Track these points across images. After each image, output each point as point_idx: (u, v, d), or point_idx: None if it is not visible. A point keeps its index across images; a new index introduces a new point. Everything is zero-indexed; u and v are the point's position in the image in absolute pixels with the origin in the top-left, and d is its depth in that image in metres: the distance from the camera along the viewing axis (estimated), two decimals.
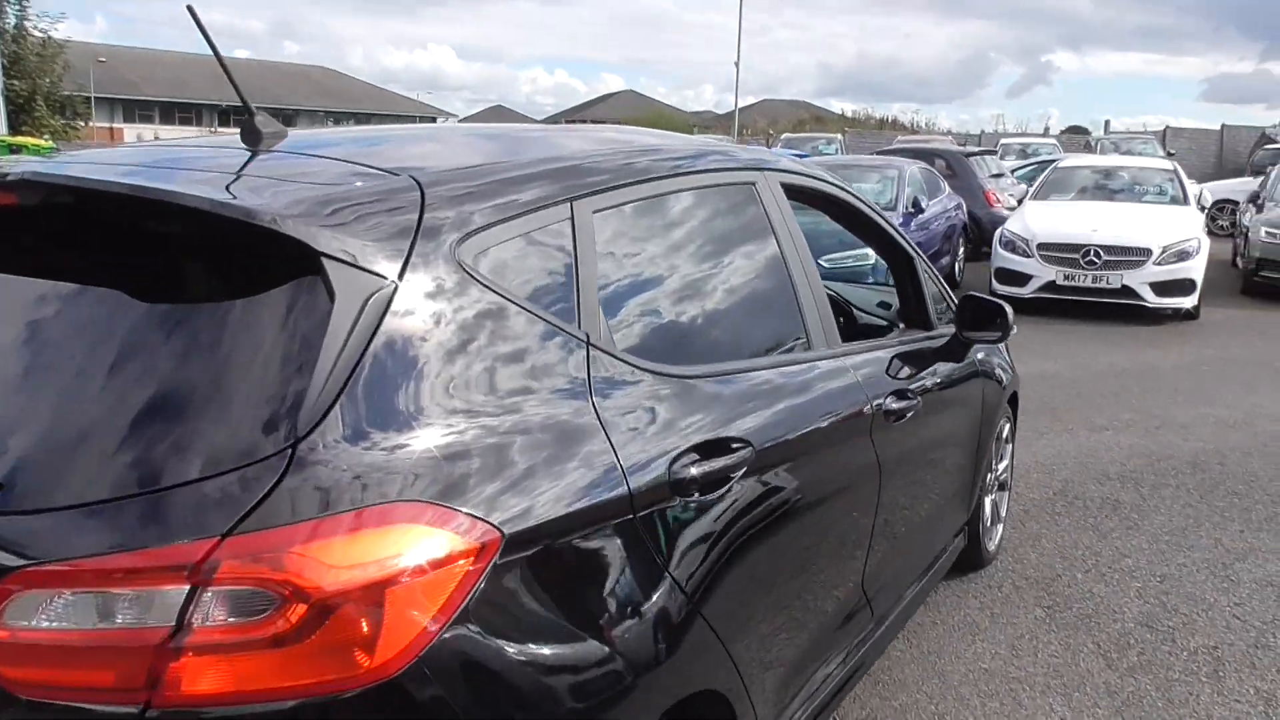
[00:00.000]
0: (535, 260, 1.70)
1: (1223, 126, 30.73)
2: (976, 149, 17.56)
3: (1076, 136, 32.62)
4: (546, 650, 1.44)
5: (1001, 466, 4.00)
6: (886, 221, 3.06)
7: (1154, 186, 11.01)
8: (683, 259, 2.13)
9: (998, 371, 3.66)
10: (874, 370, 2.62)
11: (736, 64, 37.10)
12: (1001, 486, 4.05)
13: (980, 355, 3.45)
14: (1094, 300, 9.30)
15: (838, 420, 2.31)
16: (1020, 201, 12.02)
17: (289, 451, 1.29)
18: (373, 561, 1.28)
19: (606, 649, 1.52)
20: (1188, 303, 9.18)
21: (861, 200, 2.98)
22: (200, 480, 1.27)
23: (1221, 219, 16.31)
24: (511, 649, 1.39)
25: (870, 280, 5.98)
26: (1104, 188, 11.19)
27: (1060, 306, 9.46)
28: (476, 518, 1.38)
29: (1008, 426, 3.98)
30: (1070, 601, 3.63)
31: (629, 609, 1.59)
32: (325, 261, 1.39)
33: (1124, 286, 9.10)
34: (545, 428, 1.54)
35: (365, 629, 1.26)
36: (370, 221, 1.49)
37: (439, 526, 1.34)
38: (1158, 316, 9.40)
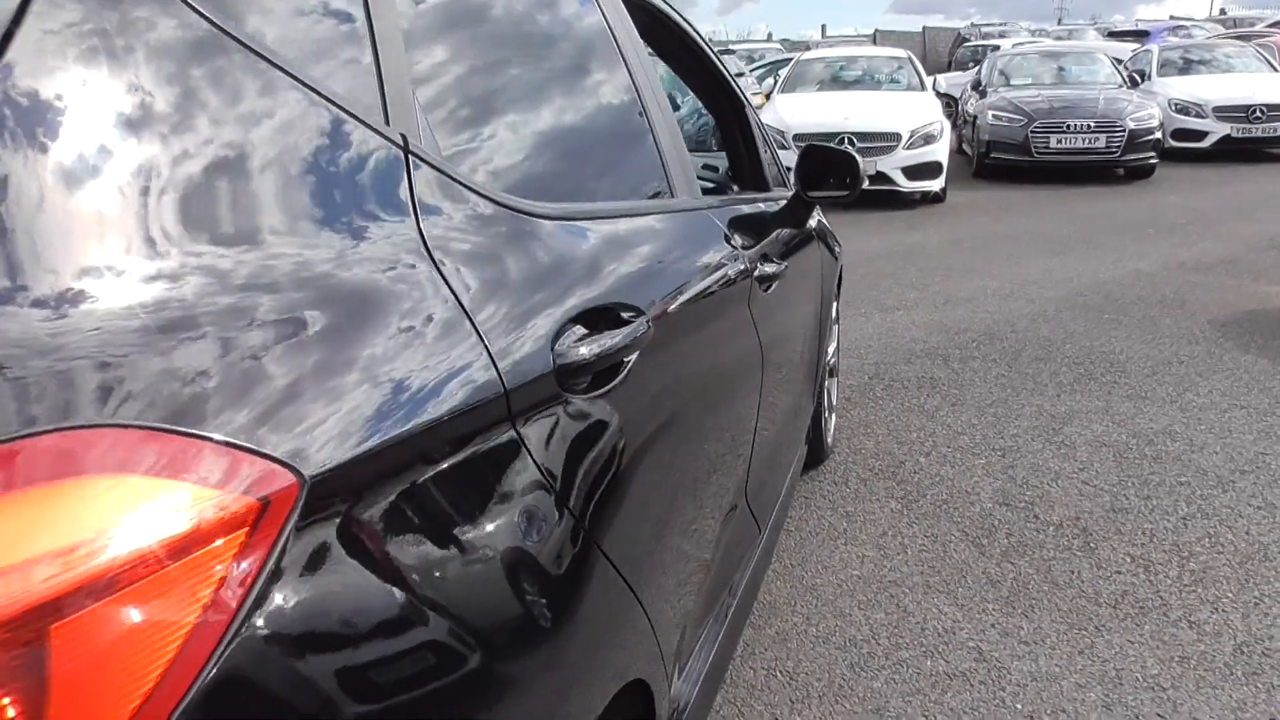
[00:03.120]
0: (302, 13, 0.96)
1: (924, 29, 32.71)
2: None
3: (799, 44, 33.65)
4: (397, 664, 0.76)
5: (831, 349, 3.61)
6: (720, 61, 2.47)
7: (890, 75, 11.19)
8: (518, 63, 1.43)
9: (830, 240, 3.22)
10: (736, 230, 2.05)
11: None
12: (832, 373, 3.67)
13: (813, 221, 2.98)
14: None
15: (721, 286, 1.72)
16: (768, 97, 11.92)
17: None
18: (31, 562, 0.56)
19: (494, 647, 0.87)
20: (936, 185, 9.38)
21: (694, 29, 2.36)
22: None
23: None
24: (337, 670, 0.71)
25: None
26: (842, 79, 11.27)
27: None
28: (248, 451, 0.67)
29: (836, 305, 3.58)
30: (922, 488, 3.31)
31: (526, 578, 0.93)
32: None
33: (879, 172, 9.14)
34: (350, 281, 0.84)
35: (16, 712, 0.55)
36: None
37: (172, 474, 0.62)
38: (909, 201, 9.56)
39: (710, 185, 2.84)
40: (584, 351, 1.09)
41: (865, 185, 8.62)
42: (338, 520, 0.73)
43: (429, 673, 0.79)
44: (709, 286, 1.64)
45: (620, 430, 1.20)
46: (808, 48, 27.32)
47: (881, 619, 2.56)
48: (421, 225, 0.96)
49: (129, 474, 0.61)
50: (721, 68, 2.48)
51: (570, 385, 1.09)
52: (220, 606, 0.63)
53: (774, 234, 2.39)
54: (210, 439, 0.65)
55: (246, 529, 0.65)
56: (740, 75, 15.06)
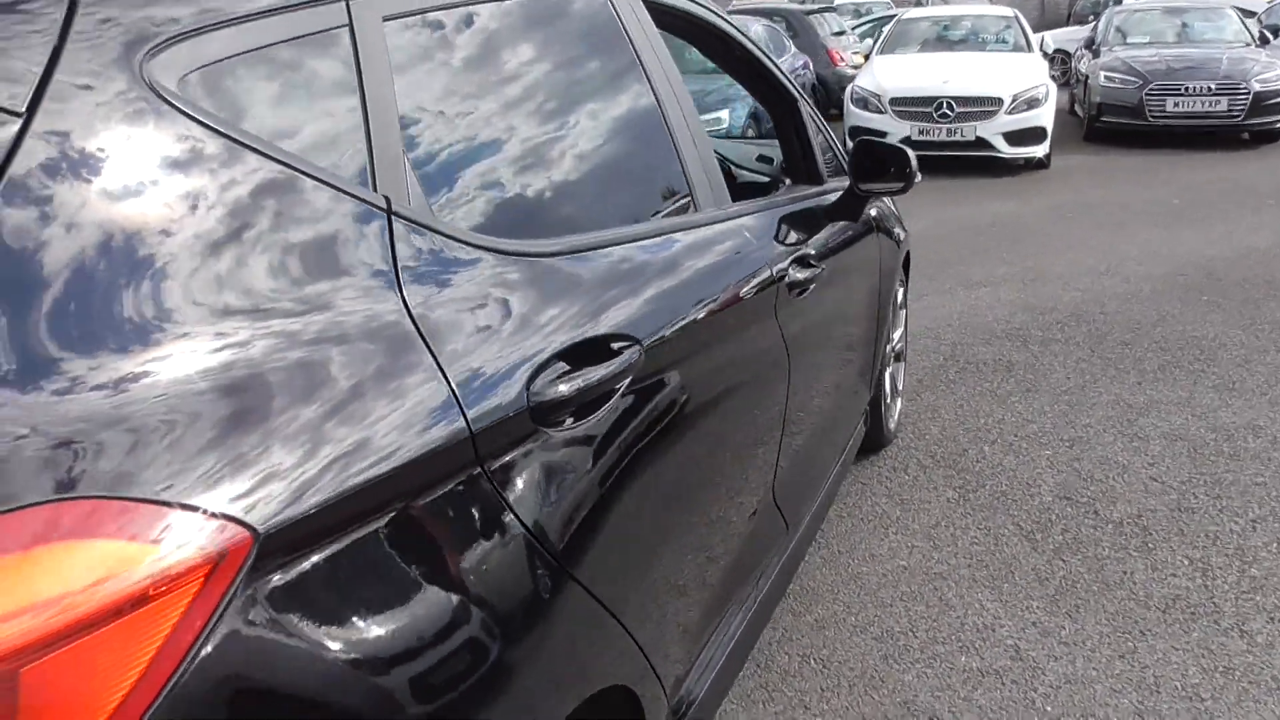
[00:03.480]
0: (292, 85, 1.05)
1: None
2: (815, 7, 17.05)
3: None
4: (346, 700, 0.87)
5: (897, 335, 3.60)
6: (766, 56, 2.47)
7: (996, 35, 10.78)
8: (520, 93, 1.50)
9: (892, 228, 3.20)
10: (771, 235, 2.08)
11: None
12: (898, 357, 3.66)
13: (874, 211, 2.97)
14: (949, 154, 9.05)
15: (739, 300, 1.77)
16: (866, 58, 11.64)
17: None
18: (9, 614, 0.67)
19: (441, 686, 0.96)
20: (1040, 151, 9.05)
21: (736, 27, 2.38)
22: None
23: (1053, 69, 16.45)
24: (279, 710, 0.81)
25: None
26: (946, 39, 10.90)
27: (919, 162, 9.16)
28: (202, 511, 0.77)
29: (902, 290, 3.55)
30: (982, 479, 3.29)
31: (486, 619, 1.02)
32: None
33: (978, 138, 8.87)
34: (321, 345, 0.93)
35: None
36: None
37: (132, 537, 0.73)
38: (1011, 167, 9.25)
39: (765, 179, 2.86)
40: (563, 389, 1.16)
41: (964, 152, 8.33)
42: (294, 569, 0.83)
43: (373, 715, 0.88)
44: (724, 301, 1.69)
45: (602, 458, 1.26)
46: (919, 3, 26.42)
47: (921, 611, 2.58)
48: (401, 279, 1.04)
49: (94, 539, 0.72)
50: (768, 62, 2.48)
51: (552, 420, 1.16)
52: (173, 648, 0.73)
53: (820, 232, 2.41)
54: (166, 502, 0.75)
55: (200, 581, 0.75)
56: (840, 34, 14.70)
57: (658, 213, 1.72)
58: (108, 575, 0.71)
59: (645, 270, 1.48)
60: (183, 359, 0.82)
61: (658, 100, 1.78)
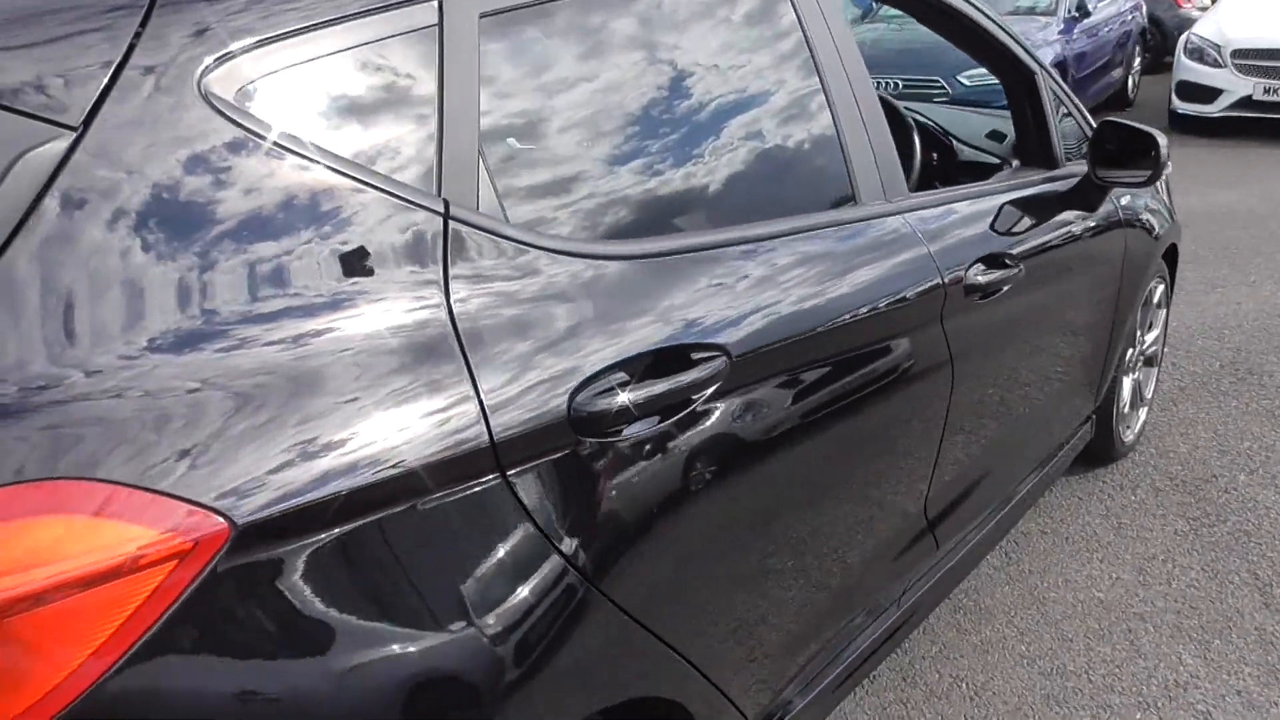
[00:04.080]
0: (362, 89, 1.09)
1: None
2: None
3: None
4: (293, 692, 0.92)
5: (1150, 338, 3.21)
6: (995, 22, 2.23)
7: None
8: (630, 81, 1.42)
9: (1148, 219, 2.82)
10: (957, 230, 1.91)
11: None
12: (1149, 362, 3.27)
13: (1125, 199, 2.63)
14: None
15: (885, 308, 1.64)
16: (1213, 1, 10.20)
17: None
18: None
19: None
20: None
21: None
22: None
23: None
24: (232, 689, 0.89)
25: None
26: None
27: (1254, 127, 7.99)
28: (181, 499, 0.84)
29: (1160, 288, 3.15)
30: (1225, 512, 2.89)
31: (480, 629, 1.04)
32: None
33: None
34: (346, 346, 0.97)
35: None
36: (53, 37, 0.92)
37: (109, 516, 0.82)
38: None
39: (991, 159, 2.62)
40: (620, 399, 1.14)
41: None
42: (279, 562, 0.89)
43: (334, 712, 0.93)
44: (856, 307, 1.57)
45: (667, 472, 1.24)
46: None
47: (1105, 653, 2.34)
48: (450, 283, 1.06)
49: (76, 515, 0.81)
50: (999, 30, 2.24)
51: (603, 430, 1.14)
52: (141, 618, 0.81)
53: (1034, 225, 2.18)
54: (148, 488, 0.83)
55: (172, 564, 0.83)
56: None
57: (797, 209, 1.61)
58: (82, 550, 0.80)
59: (752, 274, 1.41)
60: (199, 357, 0.89)
61: (822, 82, 1.66)
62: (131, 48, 0.93)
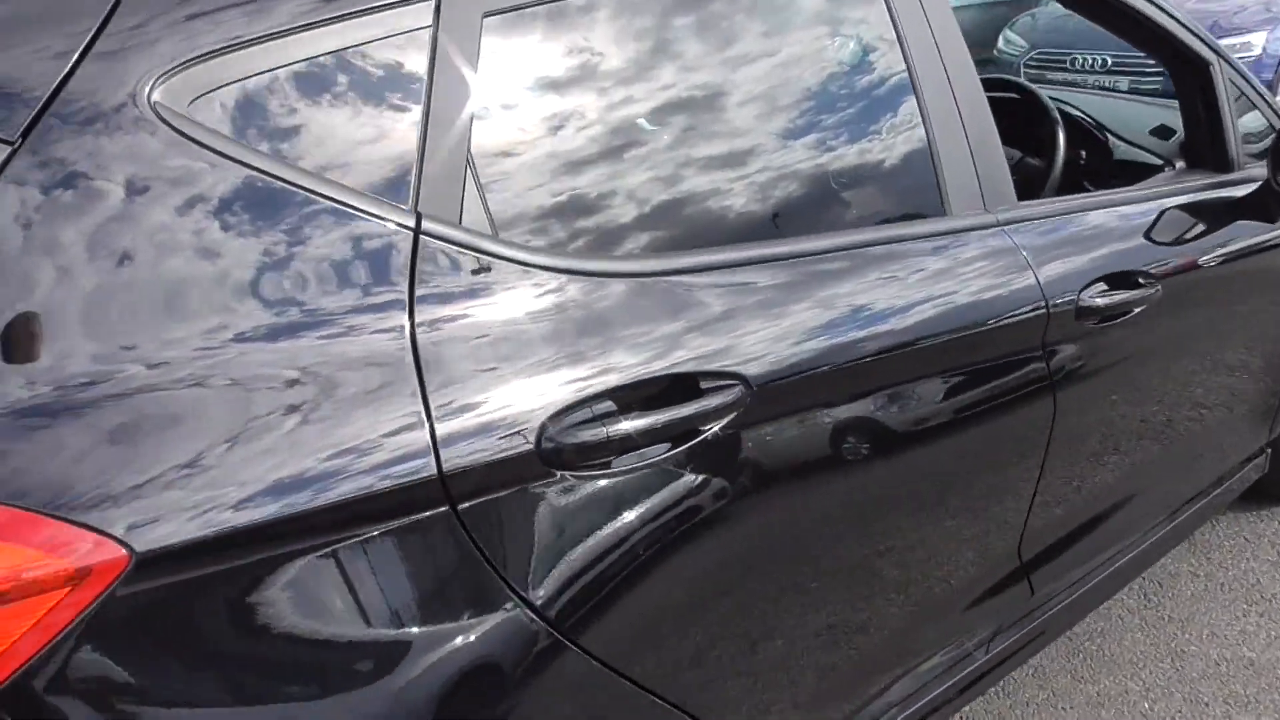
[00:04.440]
0: (329, 102, 1.01)
1: None
2: None
3: None
4: None
5: None
6: (1155, 4, 1.96)
7: None
8: (661, 78, 1.28)
9: None
10: (1076, 244, 1.69)
11: None
12: None
13: None
14: None
15: (959, 334, 1.45)
16: None
17: None
18: None
19: None
20: None
21: None
22: None
23: None
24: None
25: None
26: None
27: None
28: (80, 525, 0.83)
29: None
30: None
31: (409, 669, 1.00)
32: None
33: None
34: (285, 368, 0.92)
35: None
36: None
37: (5, 540, 0.82)
38: None
39: (1153, 159, 2.33)
40: (604, 430, 1.05)
41: None
42: (176, 594, 0.86)
43: None
44: (921, 335, 1.41)
45: (662, 506, 1.15)
46: None
47: None
48: (415, 301, 1.00)
49: None
50: (1163, 15, 1.97)
51: (581, 463, 1.07)
52: (25, 645, 0.82)
53: (1170, 239, 1.91)
54: (46, 513, 0.81)
55: (64, 590, 0.83)
56: None
57: (859, 222, 1.47)
58: None
59: (782, 296, 1.27)
60: (126, 380, 0.86)
61: (913, 78, 1.50)
62: (83, 56, 0.92)
